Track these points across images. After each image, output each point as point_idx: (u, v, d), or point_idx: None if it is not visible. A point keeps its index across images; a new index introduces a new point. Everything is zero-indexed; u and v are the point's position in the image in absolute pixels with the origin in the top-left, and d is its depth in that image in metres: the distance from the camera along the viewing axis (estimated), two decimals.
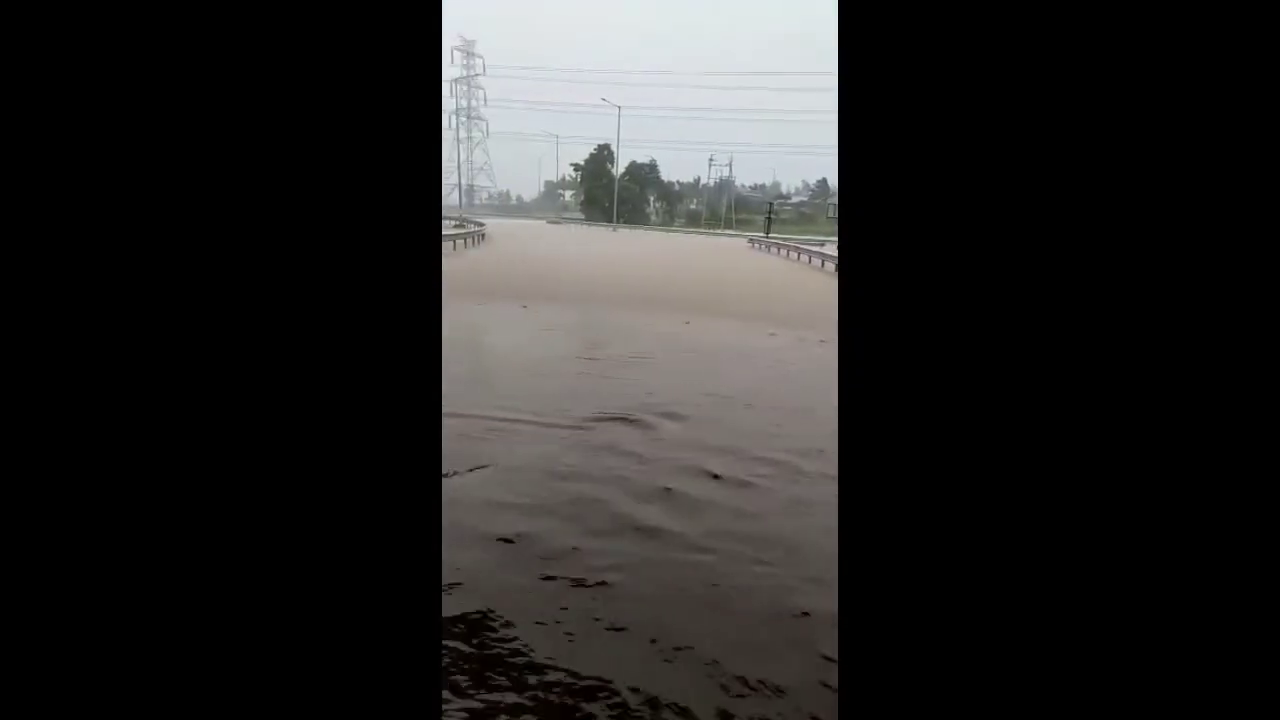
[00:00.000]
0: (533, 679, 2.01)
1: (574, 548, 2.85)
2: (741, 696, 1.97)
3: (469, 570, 2.60)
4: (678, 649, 2.18)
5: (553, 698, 1.94)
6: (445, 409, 3.47)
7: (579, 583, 2.57)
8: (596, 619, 2.34)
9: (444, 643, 2.16)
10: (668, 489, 3.52)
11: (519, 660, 2.09)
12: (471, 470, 3.69)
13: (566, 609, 2.39)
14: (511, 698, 1.93)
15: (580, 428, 4.51)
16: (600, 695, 1.95)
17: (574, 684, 1.99)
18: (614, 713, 1.89)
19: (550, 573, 2.64)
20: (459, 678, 1.99)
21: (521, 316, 9.49)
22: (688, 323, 9.12)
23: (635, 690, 1.97)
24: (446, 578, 2.54)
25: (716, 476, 3.71)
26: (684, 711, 1.90)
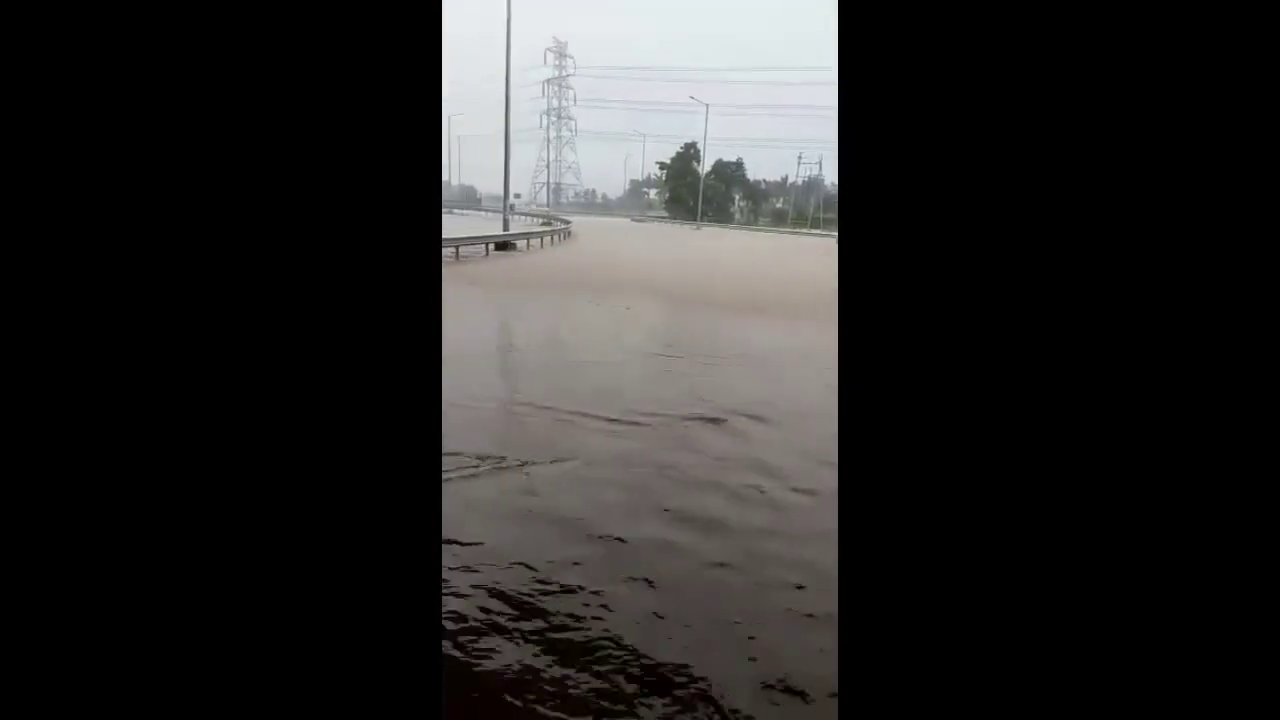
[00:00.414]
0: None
1: (621, 538, 2.83)
2: None
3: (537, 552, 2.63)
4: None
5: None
6: (527, 401, 3.54)
7: (630, 575, 2.55)
8: (646, 607, 2.30)
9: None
10: (742, 492, 3.43)
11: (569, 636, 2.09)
12: (554, 461, 3.75)
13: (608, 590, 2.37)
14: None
15: (661, 426, 4.48)
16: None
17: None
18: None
19: (603, 556, 2.63)
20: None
21: (606, 312, 9.59)
22: (761, 323, 8.91)
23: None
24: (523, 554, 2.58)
25: (793, 483, 3.58)
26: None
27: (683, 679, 2.02)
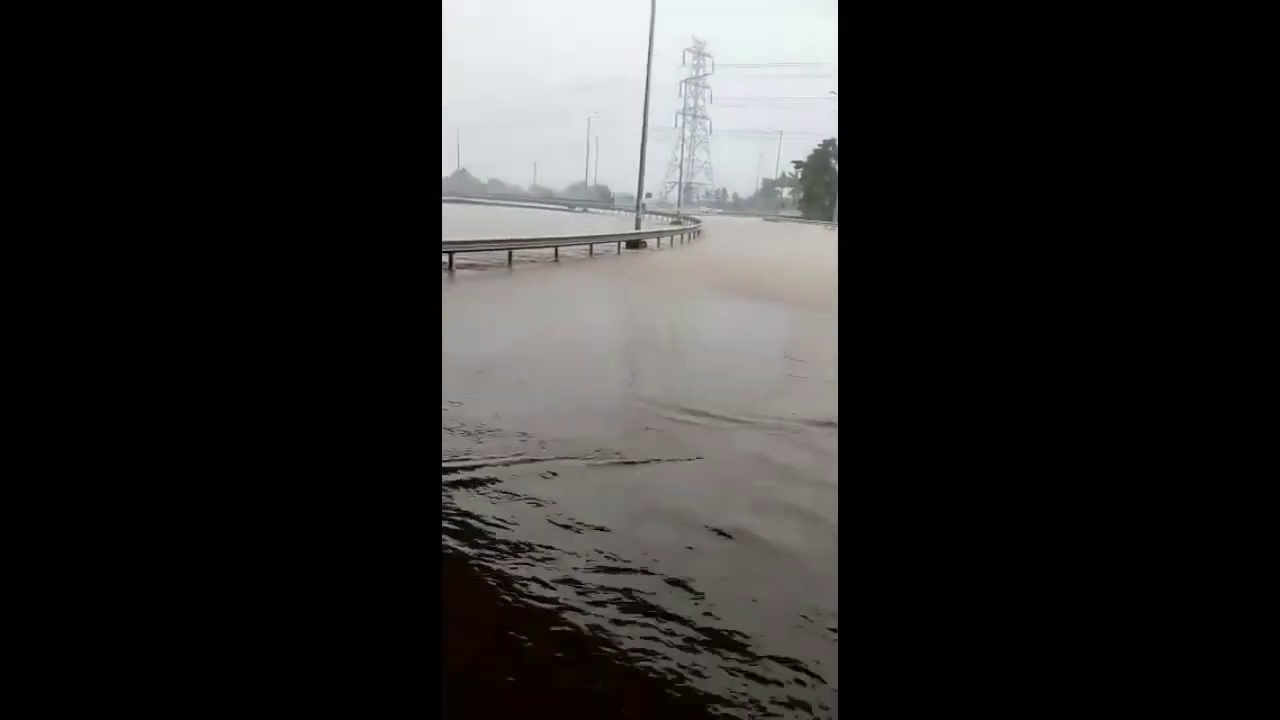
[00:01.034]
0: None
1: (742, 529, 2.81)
2: None
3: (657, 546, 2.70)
4: None
5: None
6: (649, 398, 3.61)
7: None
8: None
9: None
10: None
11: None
12: (690, 460, 3.82)
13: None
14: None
15: (785, 430, 4.40)
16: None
17: None
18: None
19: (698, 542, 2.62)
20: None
21: (727, 310, 9.53)
22: None
23: None
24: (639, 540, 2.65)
25: None
26: None
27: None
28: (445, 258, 13.08)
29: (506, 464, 3.56)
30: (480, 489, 3.26)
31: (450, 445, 3.74)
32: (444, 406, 4.20)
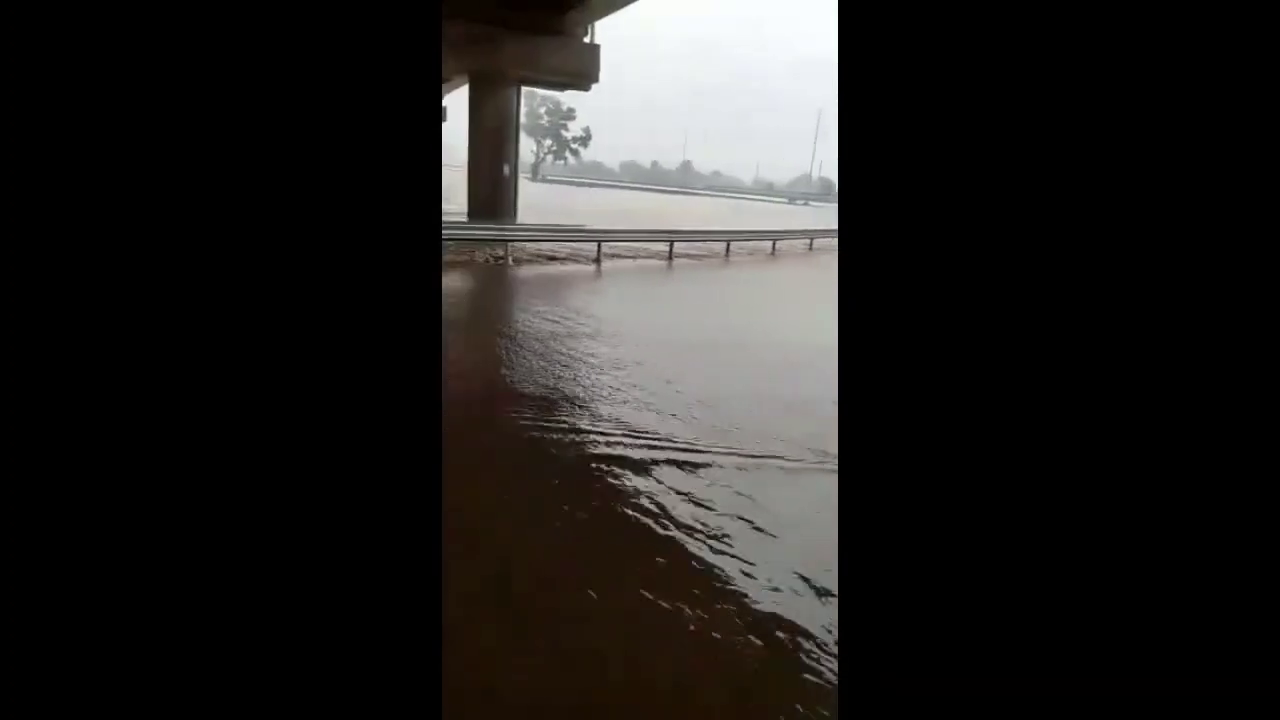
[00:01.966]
0: None
1: None
2: None
3: None
4: None
5: None
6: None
7: None
8: None
9: None
10: None
11: None
12: None
13: None
14: None
15: None
16: None
17: None
18: None
19: None
20: None
21: None
22: None
23: None
24: None
25: None
26: None
27: None
28: (665, 245, 13.63)
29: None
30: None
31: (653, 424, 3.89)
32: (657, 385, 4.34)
